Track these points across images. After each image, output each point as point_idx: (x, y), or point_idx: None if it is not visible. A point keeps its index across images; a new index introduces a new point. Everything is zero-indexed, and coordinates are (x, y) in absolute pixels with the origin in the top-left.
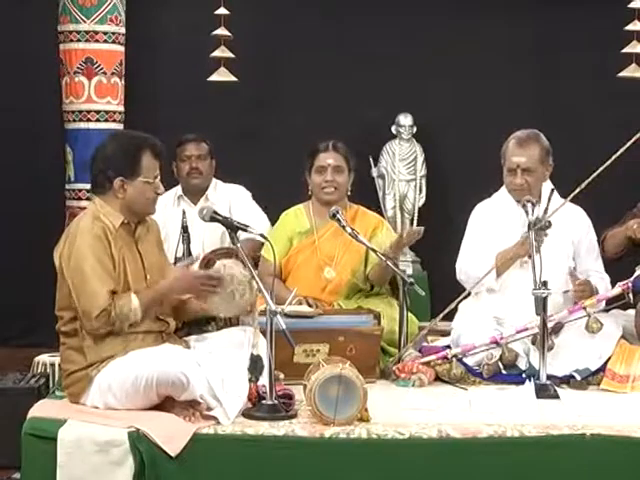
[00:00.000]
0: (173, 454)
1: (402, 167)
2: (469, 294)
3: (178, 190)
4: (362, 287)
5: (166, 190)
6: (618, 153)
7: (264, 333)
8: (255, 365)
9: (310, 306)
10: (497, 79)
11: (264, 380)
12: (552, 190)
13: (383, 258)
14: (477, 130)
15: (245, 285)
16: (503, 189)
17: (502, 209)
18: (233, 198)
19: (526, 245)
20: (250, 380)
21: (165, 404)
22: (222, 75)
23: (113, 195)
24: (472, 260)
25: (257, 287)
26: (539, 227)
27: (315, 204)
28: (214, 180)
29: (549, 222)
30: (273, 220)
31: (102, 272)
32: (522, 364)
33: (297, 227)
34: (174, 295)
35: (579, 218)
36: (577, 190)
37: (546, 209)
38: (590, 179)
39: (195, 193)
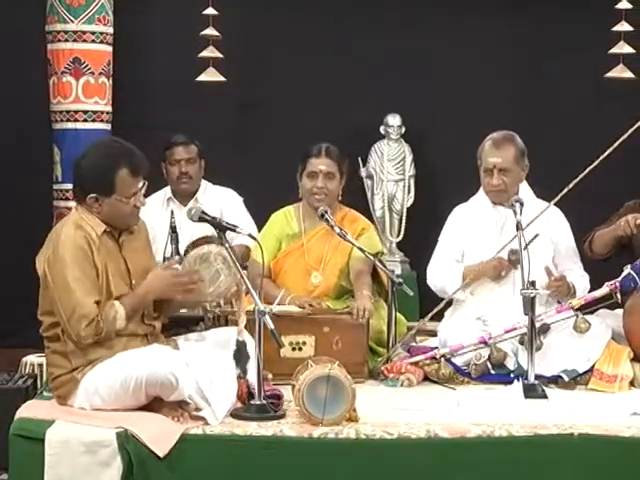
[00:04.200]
0: (161, 454)
1: (390, 167)
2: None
3: (167, 192)
4: (349, 288)
5: (155, 191)
6: (604, 155)
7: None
8: (240, 352)
9: (302, 308)
10: (485, 79)
11: (253, 379)
12: (536, 235)
13: (371, 258)
14: (466, 130)
15: (229, 264)
16: (480, 192)
17: (479, 212)
18: (225, 203)
19: (495, 268)
20: (239, 376)
21: (153, 404)
22: (210, 75)
23: (91, 207)
24: (441, 272)
25: (244, 285)
26: (515, 261)
27: (305, 207)
28: (204, 182)
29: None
30: (259, 222)
31: (87, 283)
32: (510, 364)
33: (287, 229)
34: (154, 296)
35: (557, 218)
36: (564, 191)
37: (527, 243)
38: (576, 181)
39: (185, 196)
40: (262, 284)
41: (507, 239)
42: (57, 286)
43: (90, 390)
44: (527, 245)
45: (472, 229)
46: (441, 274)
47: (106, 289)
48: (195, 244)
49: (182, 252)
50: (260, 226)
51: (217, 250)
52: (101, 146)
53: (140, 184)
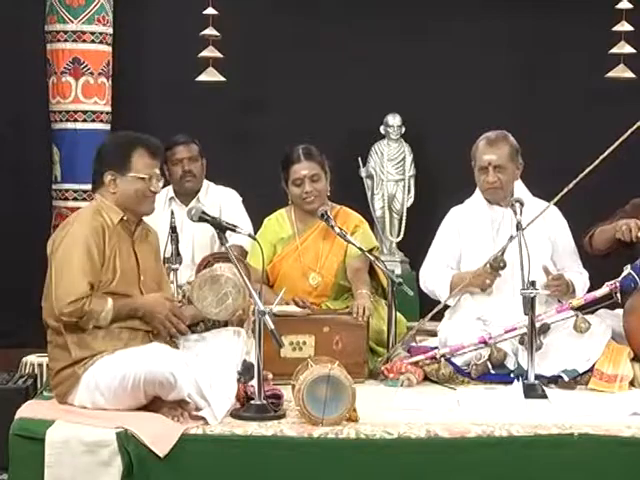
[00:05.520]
0: (161, 454)
1: (390, 167)
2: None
3: (169, 192)
4: (348, 286)
5: None
6: (604, 155)
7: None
8: (247, 372)
9: (298, 305)
10: (486, 79)
11: (253, 380)
12: (511, 237)
13: (371, 258)
14: (466, 130)
15: (239, 289)
16: (476, 194)
17: (474, 213)
18: (224, 201)
19: (480, 278)
20: (239, 380)
21: (153, 404)
22: (210, 75)
23: (107, 190)
24: (431, 276)
25: (247, 290)
26: (495, 267)
27: (297, 209)
28: (206, 182)
29: (504, 263)
30: (258, 221)
31: (87, 263)
32: (510, 364)
33: (280, 233)
34: (142, 314)
35: (555, 217)
36: (564, 191)
37: (504, 249)
38: (576, 181)
39: (187, 195)
40: (262, 288)
41: (503, 239)
42: (58, 259)
43: (91, 387)
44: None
45: (468, 230)
46: (431, 279)
47: (112, 275)
48: (215, 258)
49: (182, 253)
50: (257, 226)
51: (228, 274)
52: (120, 131)
53: (157, 170)
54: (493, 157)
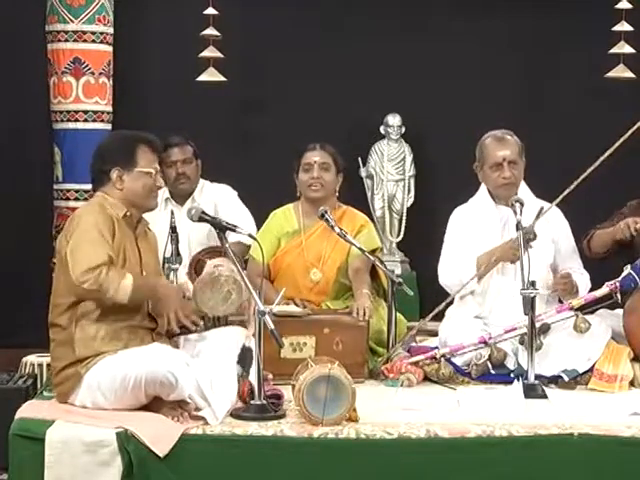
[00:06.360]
0: (161, 454)
1: (390, 167)
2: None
3: (165, 192)
4: (349, 285)
5: None
6: (605, 155)
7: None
8: (244, 356)
9: (298, 306)
10: (485, 79)
11: (253, 378)
12: (541, 208)
13: (372, 258)
14: (466, 130)
15: (239, 283)
16: (480, 193)
17: (480, 212)
18: (219, 198)
19: (510, 251)
20: (241, 376)
21: (154, 404)
22: (211, 75)
23: (113, 187)
24: (453, 265)
25: (245, 285)
26: (526, 239)
27: (304, 204)
28: (201, 181)
29: (535, 234)
30: (260, 222)
31: (103, 241)
32: (510, 364)
33: (286, 227)
34: (158, 295)
35: (557, 217)
36: (566, 192)
37: (534, 222)
38: (578, 181)
39: (182, 196)
40: (262, 284)
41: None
42: (73, 241)
43: (92, 386)
44: (535, 221)
45: (475, 229)
46: (455, 268)
47: (122, 261)
48: (204, 255)
49: (182, 253)
50: (259, 226)
51: (227, 273)
52: (118, 130)
53: (157, 165)
54: (507, 152)
